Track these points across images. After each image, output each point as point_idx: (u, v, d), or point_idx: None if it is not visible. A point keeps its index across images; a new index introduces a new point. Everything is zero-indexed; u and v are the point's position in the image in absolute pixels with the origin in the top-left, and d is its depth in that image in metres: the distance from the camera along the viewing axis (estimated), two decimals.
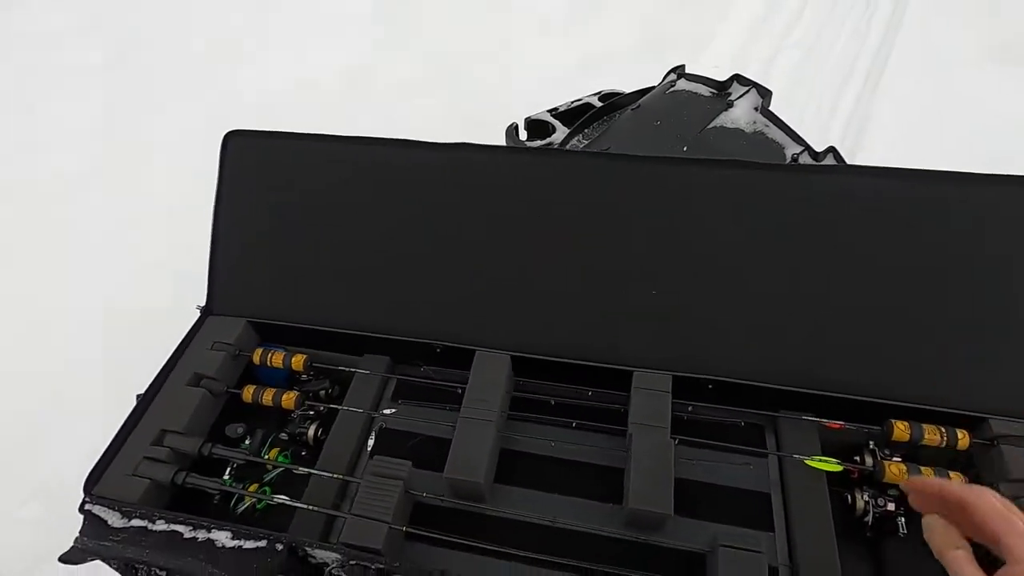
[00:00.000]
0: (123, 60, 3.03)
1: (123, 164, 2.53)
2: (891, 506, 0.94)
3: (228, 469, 1.07)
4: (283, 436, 1.14)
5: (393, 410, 1.11)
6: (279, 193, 1.20)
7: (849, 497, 0.96)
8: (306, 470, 1.01)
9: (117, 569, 0.98)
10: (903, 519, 0.94)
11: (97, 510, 0.94)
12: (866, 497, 0.94)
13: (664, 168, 1.05)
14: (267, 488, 1.06)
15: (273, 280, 1.19)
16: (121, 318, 1.91)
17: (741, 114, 1.33)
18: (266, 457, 1.08)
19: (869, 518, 0.94)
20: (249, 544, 0.88)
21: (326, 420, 1.13)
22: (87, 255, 2.17)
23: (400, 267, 1.14)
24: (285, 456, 1.11)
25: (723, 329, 1.01)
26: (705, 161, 1.04)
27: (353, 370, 1.14)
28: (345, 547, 0.86)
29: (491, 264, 1.10)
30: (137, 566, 0.94)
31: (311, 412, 1.17)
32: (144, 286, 2.00)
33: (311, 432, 1.13)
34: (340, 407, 1.09)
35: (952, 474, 0.89)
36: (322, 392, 1.17)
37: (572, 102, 1.74)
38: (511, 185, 1.10)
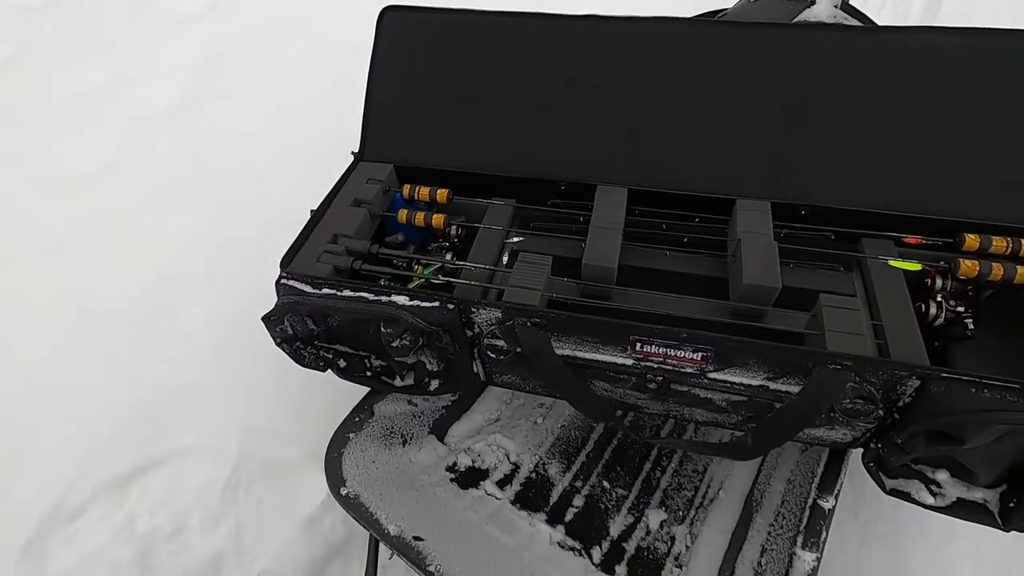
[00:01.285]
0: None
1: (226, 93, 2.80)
2: (960, 308, 1.11)
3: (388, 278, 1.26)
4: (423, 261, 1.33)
5: (522, 238, 1.30)
6: (423, 58, 1.40)
7: (923, 306, 1.12)
8: (460, 263, 1.20)
9: (282, 340, 1.17)
10: (970, 320, 1.11)
11: (291, 283, 1.13)
12: (938, 298, 1.11)
13: (760, 32, 1.24)
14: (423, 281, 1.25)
15: (416, 132, 1.39)
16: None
17: (822, 10, 1.52)
18: (416, 267, 1.28)
19: (941, 320, 1.11)
20: (425, 304, 1.07)
21: (459, 253, 1.32)
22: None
23: (531, 118, 1.33)
24: (431, 272, 1.30)
25: (815, 162, 1.19)
26: (796, 25, 1.23)
27: (488, 202, 1.33)
28: (507, 305, 1.05)
29: (611, 113, 1.29)
30: (313, 327, 1.14)
31: (446, 244, 1.36)
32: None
33: (447, 258, 1.32)
34: (479, 225, 1.28)
35: (1020, 269, 1.05)
36: (455, 229, 1.36)
37: None
38: (632, 47, 1.29)
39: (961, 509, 1.02)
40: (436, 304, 1.07)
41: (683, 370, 1.03)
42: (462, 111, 1.37)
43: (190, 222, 2.13)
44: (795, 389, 0.99)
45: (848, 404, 0.96)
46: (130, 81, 2.89)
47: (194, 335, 1.76)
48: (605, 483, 1.39)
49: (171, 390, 1.67)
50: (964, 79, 1.14)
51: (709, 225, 1.22)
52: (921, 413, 0.91)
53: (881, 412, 0.96)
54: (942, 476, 1.03)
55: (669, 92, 1.27)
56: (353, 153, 1.40)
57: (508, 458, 1.44)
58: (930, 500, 1.03)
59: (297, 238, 1.21)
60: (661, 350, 1.01)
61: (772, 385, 1.00)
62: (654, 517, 1.33)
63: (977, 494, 1.02)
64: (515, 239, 1.30)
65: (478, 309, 1.06)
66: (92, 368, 1.73)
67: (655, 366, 1.04)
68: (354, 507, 1.11)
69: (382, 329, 1.07)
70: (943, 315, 1.10)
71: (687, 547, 1.29)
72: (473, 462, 1.41)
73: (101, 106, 2.75)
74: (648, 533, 1.31)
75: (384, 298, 1.08)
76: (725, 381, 1.02)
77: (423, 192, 1.33)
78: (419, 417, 1.38)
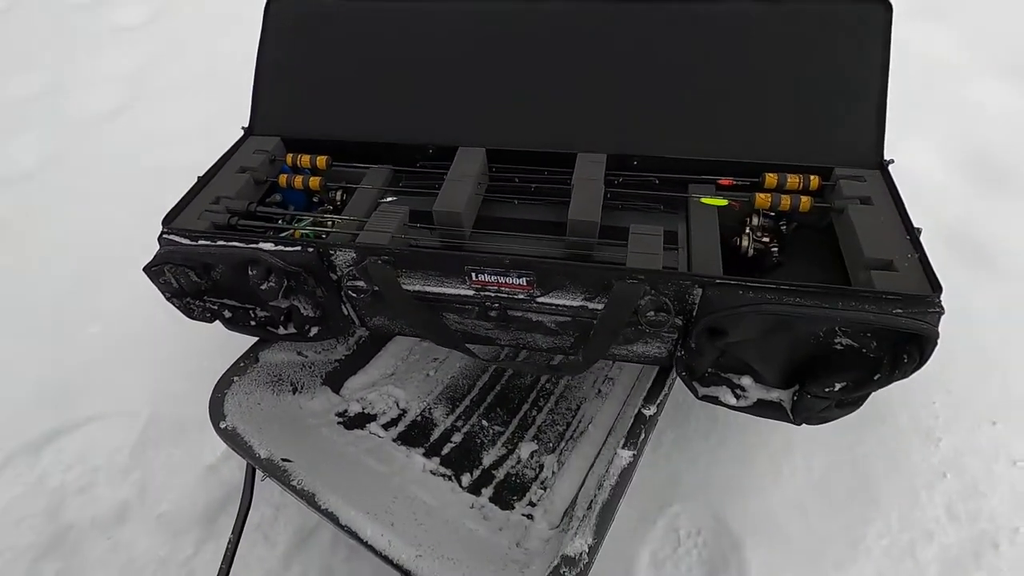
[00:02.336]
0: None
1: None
2: (767, 239, 1.27)
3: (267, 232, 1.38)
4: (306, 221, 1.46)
5: (395, 198, 1.43)
6: (306, 40, 1.53)
7: (737, 239, 1.28)
8: (332, 216, 1.33)
9: (171, 295, 1.29)
10: (776, 249, 1.26)
11: (172, 236, 1.25)
12: (747, 231, 1.27)
13: (595, 3, 1.40)
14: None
15: (301, 107, 1.52)
16: None
17: None
18: (296, 224, 1.40)
19: (750, 250, 1.26)
20: (288, 249, 1.19)
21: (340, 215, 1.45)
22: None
23: (402, 89, 1.47)
24: (310, 233, 1.42)
25: (643, 118, 1.35)
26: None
27: (366, 167, 1.46)
28: (358, 245, 1.17)
29: (471, 82, 1.44)
30: (198, 280, 1.25)
31: (330, 208, 1.49)
32: None
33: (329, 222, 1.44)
34: (357, 186, 1.41)
35: (803, 198, 1.21)
36: (339, 194, 1.48)
37: None
38: (484, 21, 1.44)
39: (761, 408, 1.16)
40: (297, 248, 1.19)
41: (515, 296, 1.16)
42: (342, 86, 1.51)
43: (122, 216, 2.23)
44: None
45: (651, 316, 1.09)
46: (69, 87, 3.00)
47: (115, 312, 1.86)
48: (484, 422, 1.52)
49: (90, 362, 1.76)
50: (765, 43, 1.31)
51: (555, 177, 1.36)
52: (702, 315, 1.05)
53: (679, 322, 1.11)
54: (746, 381, 1.17)
55: (519, 61, 1.42)
56: (243, 128, 1.53)
57: (397, 405, 1.56)
58: (734, 401, 1.17)
59: (180, 199, 1.32)
60: (493, 278, 1.14)
61: (590, 305, 1.14)
62: (525, 448, 1.45)
63: (774, 394, 1.16)
64: (389, 199, 1.43)
65: (335, 251, 1.19)
66: (14, 345, 1.82)
67: (492, 295, 1.18)
68: (231, 437, 1.22)
69: (249, 272, 1.19)
70: (751, 246, 1.26)
71: (553, 472, 1.41)
72: (363, 409, 1.53)
73: (39, 110, 2.86)
74: (519, 462, 1.43)
75: (251, 245, 1.20)
76: (551, 304, 1.15)
77: (305, 160, 1.46)
78: (309, 368, 1.50)
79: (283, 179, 1.43)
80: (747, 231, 1.27)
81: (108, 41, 3.27)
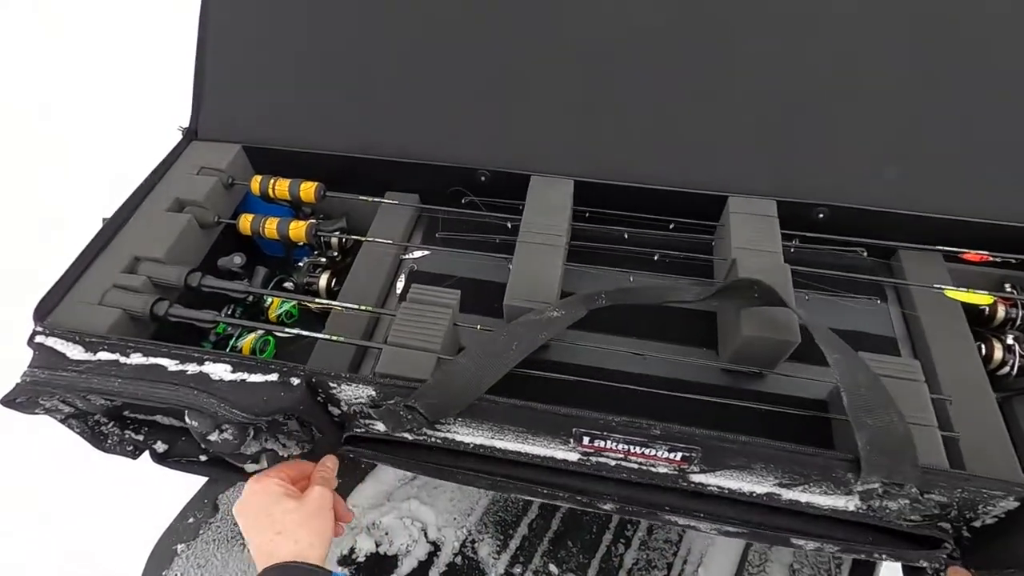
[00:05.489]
0: None
1: None
2: None
3: (225, 310, 0.86)
4: (288, 286, 0.94)
5: (426, 252, 0.91)
6: None
7: (983, 347, 0.80)
8: (325, 302, 0.81)
9: (67, 416, 0.78)
10: None
11: (52, 342, 0.72)
12: (1009, 341, 0.79)
13: None
14: (269, 337, 0.85)
15: (274, 98, 0.97)
16: None
17: None
18: (269, 302, 0.88)
19: (1010, 367, 0.79)
20: (255, 378, 0.68)
21: (340, 272, 0.93)
22: None
23: (436, 80, 0.92)
24: (293, 308, 0.91)
25: (835, 147, 0.83)
26: None
27: (380, 200, 0.93)
28: (383, 379, 0.67)
29: (552, 72, 0.89)
30: (105, 401, 0.74)
31: (322, 260, 0.97)
32: None
33: (323, 282, 0.92)
34: (364, 238, 0.89)
35: None
36: (335, 238, 0.96)
37: None
38: None
39: None
40: (273, 378, 0.68)
41: (654, 469, 0.68)
42: (343, 67, 0.94)
43: None
44: (821, 500, 0.65)
45: (902, 524, 0.63)
46: None
47: None
48: (552, 567, 1.06)
49: None
50: None
51: (690, 236, 0.86)
52: (1020, 551, 0.59)
53: (952, 538, 0.64)
54: None
55: (633, 42, 0.87)
56: (182, 129, 0.97)
57: (426, 535, 1.09)
58: None
59: (70, 268, 0.79)
60: (621, 446, 0.66)
61: (787, 494, 0.66)
62: None
63: None
64: (416, 254, 0.92)
65: (339, 384, 0.68)
66: None
67: (612, 463, 0.69)
68: None
69: (187, 421, 0.68)
70: (1015, 364, 0.79)
71: None
72: (378, 545, 1.07)
73: None
74: None
75: (193, 368, 0.69)
76: (716, 487, 0.68)
77: (282, 187, 0.92)
78: None
79: (246, 223, 0.89)
80: (1008, 339, 0.79)
81: None
